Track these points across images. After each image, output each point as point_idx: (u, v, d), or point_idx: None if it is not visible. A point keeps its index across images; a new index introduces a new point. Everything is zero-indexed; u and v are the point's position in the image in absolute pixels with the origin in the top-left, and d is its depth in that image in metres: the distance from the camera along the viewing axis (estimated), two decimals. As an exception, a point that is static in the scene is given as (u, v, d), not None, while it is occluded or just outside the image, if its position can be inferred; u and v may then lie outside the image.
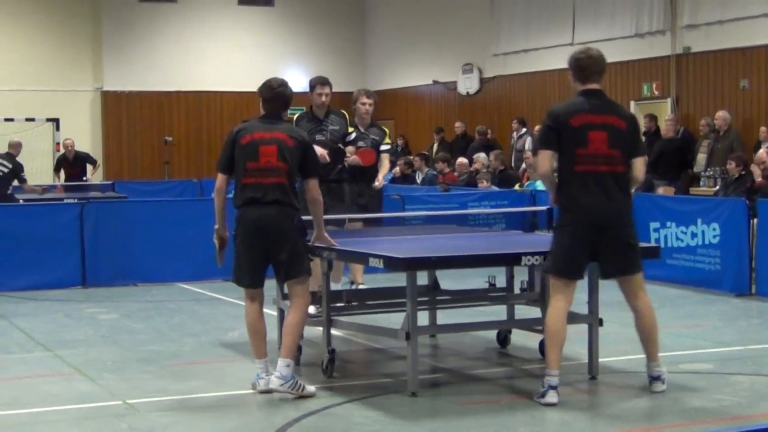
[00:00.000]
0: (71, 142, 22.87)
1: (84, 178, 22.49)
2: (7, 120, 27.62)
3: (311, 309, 8.92)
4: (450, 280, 10.77)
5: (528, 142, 22.81)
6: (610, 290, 8.71)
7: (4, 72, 28.07)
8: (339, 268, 11.18)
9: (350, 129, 11.27)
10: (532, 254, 7.87)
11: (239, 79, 29.48)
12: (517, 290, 9.65)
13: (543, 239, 9.24)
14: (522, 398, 7.92)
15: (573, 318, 9.06)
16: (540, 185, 18.05)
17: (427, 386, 8.20)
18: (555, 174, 7.77)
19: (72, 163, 22.49)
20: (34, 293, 13.43)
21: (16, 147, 19.08)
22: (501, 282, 9.80)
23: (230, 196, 8.29)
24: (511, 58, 25.09)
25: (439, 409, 7.61)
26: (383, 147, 11.49)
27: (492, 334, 9.89)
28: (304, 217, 8.08)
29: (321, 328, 8.84)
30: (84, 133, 28.57)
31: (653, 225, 13.81)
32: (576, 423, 7.28)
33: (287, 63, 29.50)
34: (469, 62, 26.47)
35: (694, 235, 13.27)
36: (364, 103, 11.41)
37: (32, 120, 28.07)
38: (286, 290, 8.53)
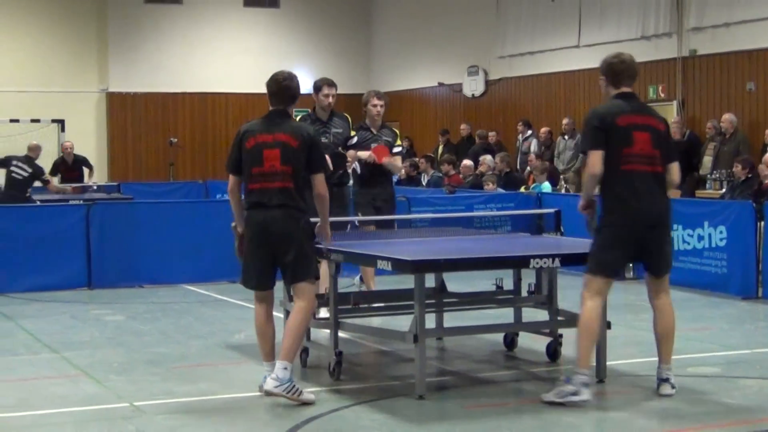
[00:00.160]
0: (71, 145, 22.80)
1: (92, 183, 22.39)
2: (12, 121, 27.65)
3: (322, 312, 8.93)
4: (457, 282, 10.75)
5: (533, 145, 22.79)
6: (616, 293, 8.72)
7: (10, 73, 28.07)
8: (371, 275, 11.19)
9: (352, 132, 11.25)
10: (541, 257, 7.86)
11: (244, 81, 29.48)
12: (524, 293, 9.63)
13: (550, 242, 9.25)
14: (530, 401, 7.91)
15: (581, 321, 9.08)
16: (546, 187, 18.06)
17: (434, 389, 8.18)
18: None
19: (71, 167, 22.38)
20: (39, 294, 13.42)
21: (35, 150, 18.94)
22: (508, 285, 9.78)
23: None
24: (516, 60, 25.06)
25: (447, 413, 7.59)
26: (395, 149, 11.49)
27: (499, 336, 9.87)
28: (313, 219, 8.03)
29: (328, 331, 8.83)
30: (89, 135, 28.59)
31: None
32: (584, 427, 7.27)
33: (292, 64, 29.38)
34: (474, 64, 26.44)
35: (700, 238, 13.25)
36: (375, 105, 11.37)
37: (37, 121, 28.07)
38: (293, 292, 8.48)
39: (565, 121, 22.27)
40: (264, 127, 8.00)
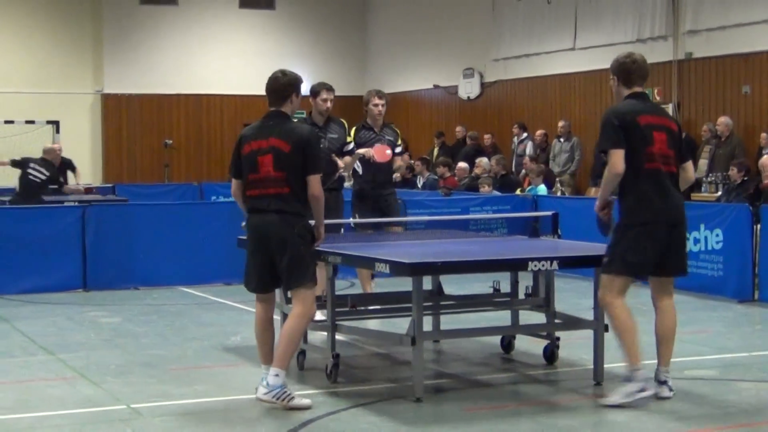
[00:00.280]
0: (59, 147, 22.75)
1: (78, 185, 22.28)
2: (7, 122, 27.60)
3: (318, 315, 8.91)
4: (453, 285, 10.75)
5: (529, 148, 22.80)
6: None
7: (4, 74, 28.03)
8: (367, 277, 11.17)
9: (349, 138, 11.23)
10: (539, 259, 7.84)
11: (240, 83, 29.49)
12: (521, 296, 9.63)
13: (548, 244, 9.25)
14: (528, 405, 7.92)
15: (578, 324, 9.10)
16: (542, 190, 18.07)
17: (432, 392, 8.18)
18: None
19: (57, 168, 22.32)
20: (35, 296, 13.40)
21: (50, 152, 18.78)
22: (505, 287, 9.77)
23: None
24: (512, 62, 25.07)
25: (445, 415, 7.59)
26: (397, 150, 11.48)
27: (495, 339, 9.87)
28: (334, 221, 8.01)
29: (325, 333, 8.82)
30: (84, 136, 28.58)
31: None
32: (582, 429, 7.26)
33: (288, 66, 28.64)
34: (470, 67, 26.45)
35: (696, 241, 13.25)
36: (376, 105, 11.36)
37: (32, 122, 28.03)
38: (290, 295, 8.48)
39: (560, 123, 22.30)
40: (259, 131, 7.95)
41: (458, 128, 25.36)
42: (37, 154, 23.05)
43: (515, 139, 23.49)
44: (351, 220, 11.03)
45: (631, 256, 7.72)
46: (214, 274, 14.54)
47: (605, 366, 8.46)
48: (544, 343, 9.24)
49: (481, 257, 8.43)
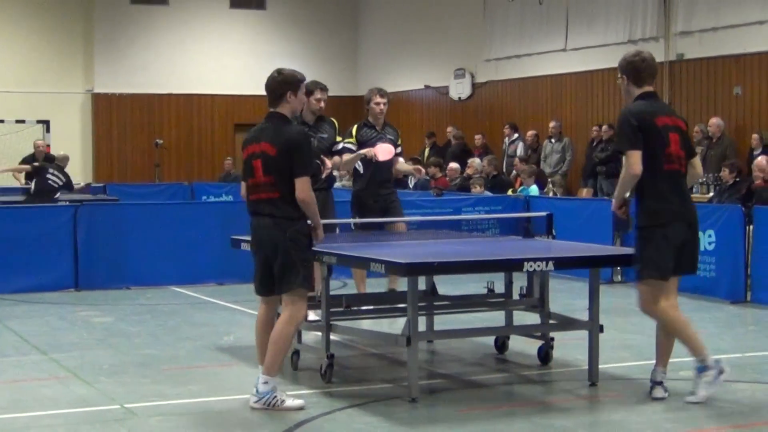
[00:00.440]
0: (42, 144, 22.80)
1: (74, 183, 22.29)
2: (-3, 121, 27.57)
3: (311, 315, 8.90)
4: (447, 285, 10.74)
5: (520, 148, 22.82)
6: (605, 297, 8.74)
7: (-5, 73, 28.01)
8: (363, 277, 11.13)
9: (338, 138, 11.19)
10: (535, 260, 7.83)
11: (230, 82, 29.49)
12: (515, 296, 9.62)
13: (542, 245, 9.24)
14: (522, 405, 7.92)
15: (573, 324, 9.10)
16: (534, 190, 18.07)
17: (426, 392, 8.17)
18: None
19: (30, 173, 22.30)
20: (26, 296, 13.37)
21: (64, 160, 19.54)
22: (499, 288, 9.77)
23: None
24: (503, 63, 25.08)
25: (440, 416, 7.58)
26: (398, 149, 11.45)
27: (489, 339, 9.86)
28: (325, 221, 7.90)
29: (319, 333, 8.81)
30: (74, 136, 28.52)
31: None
32: (578, 430, 7.25)
33: (279, 66, 29.32)
34: (461, 67, 26.46)
35: (689, 242, 13.24)
36: (378, 103, 11.27)
37: (22, 122, 27.98)
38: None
39: (551, 124, 22.33)
40: (255, 134, 7.90)
41: (449, 128, 25.35)
42: (27, 154, 23.11)
43: (506, 140, 23.50)
44: (351, 220, 10.94)
45: (660, 259, 7.72)
46: (207, 274, 14.54)
47: (600, 367, 8.46)
48: (538, 343, 9.24)
49: (477, 257, 8.42)
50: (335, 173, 11.30)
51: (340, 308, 9.29)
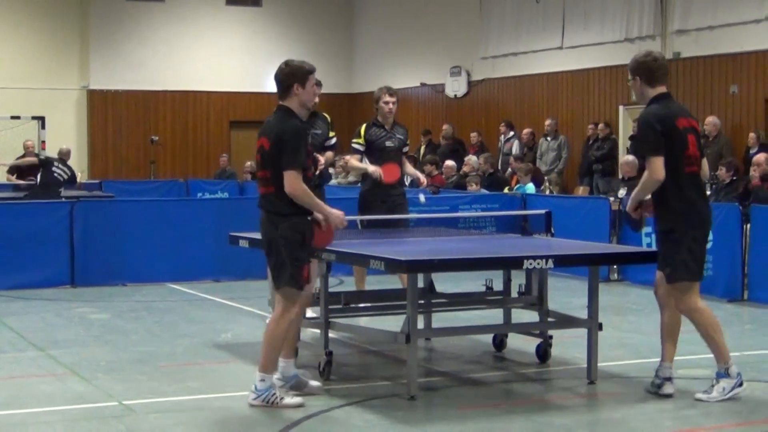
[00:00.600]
0: (32, 144, 22.91)
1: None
2: (-8, 117, 27.49)
3: (309, 312, 8.88)
4: (443, 283, 10.72)
5: (515, 146, 22.81)
6: (602, 295, 8.73)
7: (-10, 69, 27.95)
8: (363, 274, 11.09)
9: (331, 134, 11.13)
10: (534, 258, 7.80)
11: (226, 79, 29.47)
12: (514, 294, 9.61)
13: (542, 243, 9.22)
14: (521, 403, 7.91)
15: (572, 322, 9.09)
16: (530, 188, 18.06)
17: (424, 389, 8.15)
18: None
19: (30, 166, 22.36)
20: (23, 292, 13.35)
21: (67, 154, 19.81)
22: (497, 286, 9.76)
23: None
24: (499, 61, 25.07)
25: (439, 414, 7.57)
26: (405, 149, 11.38)
27: (487, 337, 9.86)
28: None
29: (318, 330, 8.80)
30: (69, 132, 28.45)
31: (645, 229, 13.74)
32: (577, 428, 7.25)
33: (274, 63, 28.87)
34: (457, 65, 26.44)
35: (686, 241, 13.23)
36: (387, 102, 11.15)
37: (17, 118, 27.86)
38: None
39: (547, 122, 22.33)
40: (261, 129, 7.83)
41: (445, 126, 25.32)
42: (23, 150, 23.14)
43: (502, 138, 23.49)
44: (358, 217, 10.80)
45: (692, 261, 7.75)
46: (203, 270, 14.54)
47: (599, 365, 8.45)
48: (536, 341, 9.23)
49: (478, 255, 8.39)
50: (330, 170, 11.23)
51: (338, 305, 9.27)
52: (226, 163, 27.08)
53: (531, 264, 7.82)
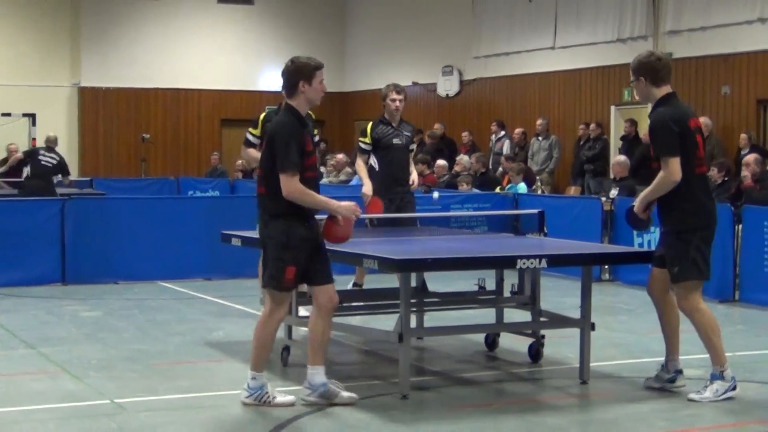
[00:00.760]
0: (15, 148, 22.93)
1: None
2: (-17, 114, 27.46)
3: (302, 311, 8.86)
4: (436, 282, 10.71)
5: (506, 146, 22.81)
6: (595, 294, 8.73)
7: (-19, 66, 27.87)
8: (363, 271, 11.08)
9: (315, 131, 11.09)
10: (528, 257, 7.79)
11: (218, 77, 29.43)
12: (506, 293, 9.61)
13: (534, 242, 9.22)
14: (513, 403, 7.90)
15: (565, 322, 9.09)
16: (522, 188, 18.07)
17: (416, 389, 8.13)
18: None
19: (14, 166, 22.33)
20: (13, 290, 13.31)
21: (54, 141, 19.44)
22: (490, 285, 9.75)
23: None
24: (491, 60, 25.07)
25: (431, 413, 7.56)
26: (412, 146, 11.34)
27: (479, 337, 9.86)
28: (319, 217, 7.68)
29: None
30: (60, 129, 28.27)
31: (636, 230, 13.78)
32: (570, 428, 7.25)
33: (266, 62, 29.41)
34: (449, 64, 26.44)
35: (678, 241, 13.24)
36: (394, 100, 11.07)
37: (8, 115, 27.85)
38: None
39: (539, 122, 22.34)
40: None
41: (437, 125, 25.31)
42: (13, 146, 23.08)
43: (493, 137, 23.49)
44: (366, 215, 10.74)
45: (701, 261, 7.78)
46: (194, 269, 14.52)
47: (591, 365, 8.45)
48: (529, 341, 9.22)
49: (471, 254, 8.39)
50: (322, 169, 11.22)
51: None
52: (217, 161, 27.05)
53: (525, 264, 7.81)
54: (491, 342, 9.67)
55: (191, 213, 14.99)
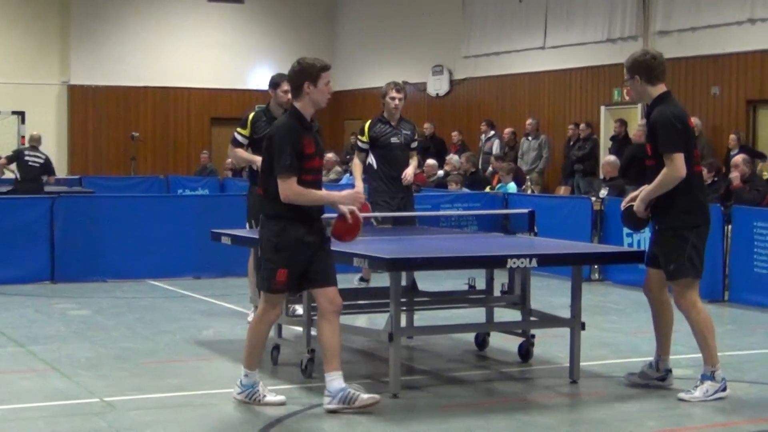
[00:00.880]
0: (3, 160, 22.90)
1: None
2: (-28, 112, 27.39)
3: (298, 309, 8.86)
4: (427, 281, 10.71)
5: (496, 146, 22.82)
6: (585, 294, 8.74)
7: (-30, 64, 27.80)
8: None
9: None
10: (518, 257, 7.79)
11: (207, 76, 29.40)
12: (497, 293, 9.61)
13: (524, 242, 9.22)
14: (503, 402, 7.90)
15: (555, 321, 9.09)
16: (512, 188, 18.08)
17: (407, 388, 8.12)
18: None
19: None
20: (2, 288, 13.26)
21: (38, 140, 19.38)
22: (480, 284, 9.75)
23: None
24: (481, 60, 25.08)
25: (421, 412, 7.56)
26: (413, 144, 11.30)
27: (469, 336, 9.85)
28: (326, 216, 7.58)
29: (300, 328, 8.77)
30: (50, 127, 28.29)
31: (627, 230, 13.79)
32: (560, 427, 7.24)
33: (256, 60, 29.40)
34: (439, 64, 26.44)
35: (667, 241, 13.26)
36: (393, 98, 11.02)
37: (-3, 112, 27.82)
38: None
39: (528, 121, 22.35)
40: None
41: (426, 125, 25.29)
42: (2, 145, 23.03)
43: (483, 137, 23.50)
44: (370, 214, 10.69)
45: (697, 258, 7.80)
46: (183, 267, 14.49)
47: (581, 364, 8.45)
48: (518, 340, 9.22)
49: (461, 253, 8.38)
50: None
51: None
52: (207, 159, 27.01)
53: (515, 263, 7.81)
54: (481, 341, 9.66)
55: (181, 211, 14.97)
